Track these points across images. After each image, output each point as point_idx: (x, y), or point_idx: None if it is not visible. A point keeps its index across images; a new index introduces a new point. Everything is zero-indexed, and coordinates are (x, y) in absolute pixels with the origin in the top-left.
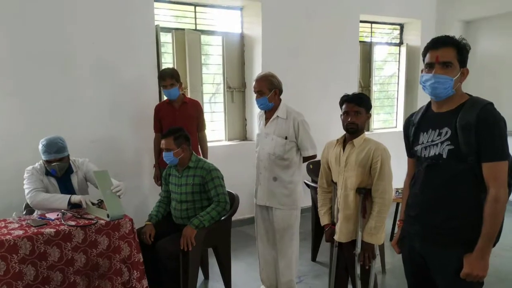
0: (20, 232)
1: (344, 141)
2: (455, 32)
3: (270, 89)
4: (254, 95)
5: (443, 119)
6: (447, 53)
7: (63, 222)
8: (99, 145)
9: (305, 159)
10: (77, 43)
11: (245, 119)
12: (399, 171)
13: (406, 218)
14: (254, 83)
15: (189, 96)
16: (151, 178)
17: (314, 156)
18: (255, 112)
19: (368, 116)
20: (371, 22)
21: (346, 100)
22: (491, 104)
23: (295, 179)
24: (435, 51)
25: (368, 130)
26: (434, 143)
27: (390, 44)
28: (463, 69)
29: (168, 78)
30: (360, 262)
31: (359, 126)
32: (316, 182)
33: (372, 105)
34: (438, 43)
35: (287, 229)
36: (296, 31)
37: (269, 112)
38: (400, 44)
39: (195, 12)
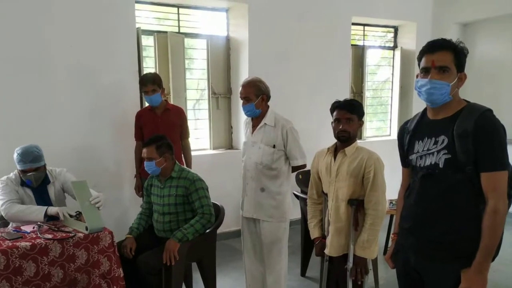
0: None
1: (335, 150)
2: (452, 35)
3: (257, 95)
4: (241, 102)
5: (440, 127)
6: (443, 57)
7: (39, 235)
8: (77, 154)
9: (294, 168)
10: (54, 46)
11: (231, 127)
12: (393, 181)
13: (401, 231)
14: (240, 88)
15: (172, 102)
16: (132, 188)
17: (304, 166)
18: (242, 119)
19: (361, 123)
20: (364, 25)
21: (337, 106)
22: (490, 110)
23: (284, 190)
24: (431, 55)
25: (360, 138)
26: (430, 152)
27: (384, 47)
28: (461, 74)
29: (149, 83)
30: (352, 277)
31: (351, 134)
32: (305, 193)
33: (365, 112)
34: (434, 47)
35: (275, 242)
36: (284, 34)
37: (256, 120)
38: (394, 47)
39: (178, 14)
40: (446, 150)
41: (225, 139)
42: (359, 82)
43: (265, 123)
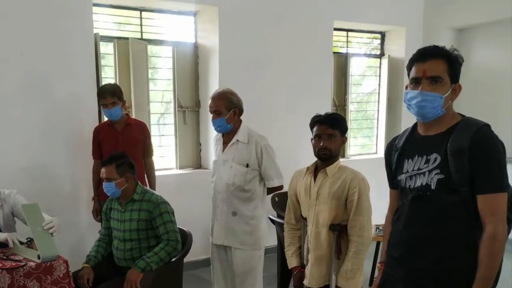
0: None
1: (316, 170)
2: (445, 41)
3: (228, 109)
4: (210, 116)
5: (431, 144)
6: (436, 66)
7: None
8: (28, 174)
9: (270, 190)
10: (1, 54)
11: (200, 144)
12: (379, 204)
13: (388, 260)
14: (210, 101)
15: (133, 116)
16: (89, 212)
17: (281, 187)
18: (211, 135)
19: (344, 140)
20: (347, 30)
21: (317, 121)
22: (488, 125)
23: (258, 214)
24: (422, 63)
25: (343, 156)
26: (420, 171)
27: (369, 55)
28: (455, 85)
29: (109, 95)
30: None
31: (332, 151)
32: (282, 218)
33: (348, 127)
34: (425, 55)
35: (249, 272)
36: (259, 41)
37: (227, 136)
38: (381, 55)
39: (140, 18)
40: (438, 170)
41: (193, 157)
42: (342, 94)
43: (237, 140)
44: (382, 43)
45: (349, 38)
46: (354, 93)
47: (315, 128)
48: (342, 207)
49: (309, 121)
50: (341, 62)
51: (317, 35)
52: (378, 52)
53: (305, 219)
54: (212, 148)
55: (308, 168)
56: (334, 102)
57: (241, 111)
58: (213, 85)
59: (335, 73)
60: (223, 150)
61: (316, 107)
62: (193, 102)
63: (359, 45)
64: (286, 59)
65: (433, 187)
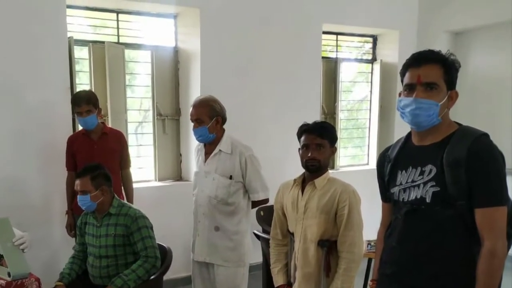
0: None
1: (303, 182)
2: (441, 45)
3: (210, 117)
4: (191, 125)
5: (427, 154)
6: (431, 72)
7: None
8: None
9: (255, 204)
10: None
11: (180, 154)
12: (371, 219)
13: (381, 277)
14: (191, 109)
15: (110, 125)
16: (63, 227)
17: (266, 201)
18: (193, 145)
19: (333, 150)
20: (337, 34)
21: (305, 130)
22: (486, 135)
23: (242, 229)
24: (416, 69)
25: (333, 167)
26: (415, 184)
27: (361, 60)
28: (451, 92)
29: (83, 103)
30: None
31: (321, 162)
32: (268, 233)
33: (338, 136)
34: (420, 60)
35: None
36: (243, 45)
37: (209, 146)
38: (372, 60)
39: (117, 20)
40: (434, 182)
41: (173, 168)
42: (331, 101)
43: (220, 150)
44: (374, 47)
45: (339, 42)
46: (344, 101)
47: (302, 138)
48: (331, 222)
49: (296, 131)
50: (331, 68)
51: (305, 38)
52: (370, 57)
53: (292, 234)
54: (193, 159)
55: (295, 180)
56: (323, 110)
57: (224, 120)
58: (194, 92)
59: (324, 79)
60: (205, 161)
61: (304, 115)
62: (173, 110)
63: (349, 50)
64: (272, 64)
65: (428, 200)
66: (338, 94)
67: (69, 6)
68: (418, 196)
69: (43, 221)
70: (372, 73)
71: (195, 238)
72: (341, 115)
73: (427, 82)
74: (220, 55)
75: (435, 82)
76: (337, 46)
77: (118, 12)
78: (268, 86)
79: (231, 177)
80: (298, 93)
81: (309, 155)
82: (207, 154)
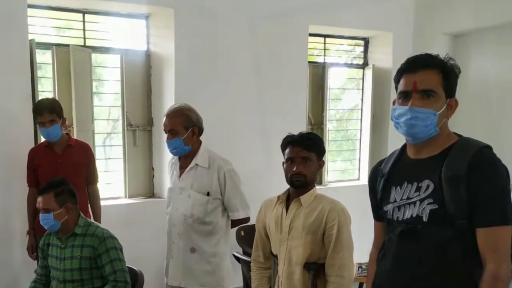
0: None
1: (288, 199)
2: (439, 49)
3: (186, 128)
4: (165, 136)
5: (423, 169)
6: (428, 78)
7: None
8: None
9: (235, 223)
10: None
11: (152, 169)
12: (363, 239)
13: None
14: (164, 119)
15: (75, 137)
16: (24, 249)
17: (247, 219)
18: (166, 158)
19: (321, 164)
20: (325, 36)
21: (290, 142)
22: (489, 147)
23: (221, 251)
24: (412, 75)
25: (320, 183)
26: (410, 201)
27: (351, 65)
28: (451, 100)
29: (46, 112)
30: None
31: (308, 177)
32: (249, 255)
33: (326, 149)
34: (416, 64)
35: None
36: (222, 49)
37: (185, 159)
38: (364, 65)
39: (83, 22)
40: (431, 199)
41: (145, 184)
42: (318, 110)
43: (196, 164)
44: (365, 51)
45: (327, 45)
46: (333, 109)
47: (287, 150)
48: (318, 243)
49: (280, 143)
50: (318, 73)
51: (290, 41)
52: (361, 62)
53: (276, 256)
54: (167, 173)
55: (279, 197)
56: (310, 120)
57: (200, 131)
58: (168, 100)
59: (311, 86)
60: (179, 176)
61: (288, 125)
62: (144, 120)
63: (338, 53)
64: (253, 70)
65: (425, 219)
66: (326, 102)
67: (30, 6)
68: (414, 215)
69: (2, 242)
70: (363, 79)
71: (169, 260)
72: (330, 126)
73: (424, 89)
74: (196, 59)
75: (432, 89)
76: (325, 49)
77: (84, 12)
78: (249, 94)
79: (208, 194)
80: (282, 101)
81: (294, 169)
82: (182, 168)
